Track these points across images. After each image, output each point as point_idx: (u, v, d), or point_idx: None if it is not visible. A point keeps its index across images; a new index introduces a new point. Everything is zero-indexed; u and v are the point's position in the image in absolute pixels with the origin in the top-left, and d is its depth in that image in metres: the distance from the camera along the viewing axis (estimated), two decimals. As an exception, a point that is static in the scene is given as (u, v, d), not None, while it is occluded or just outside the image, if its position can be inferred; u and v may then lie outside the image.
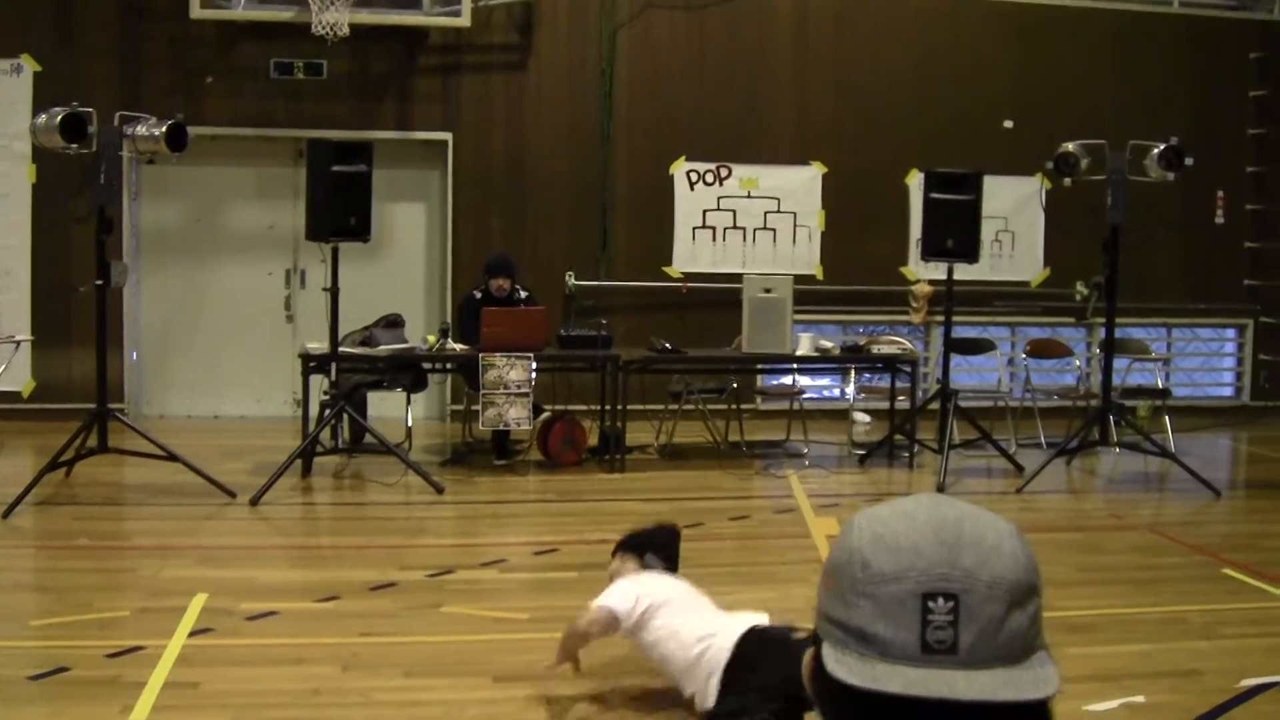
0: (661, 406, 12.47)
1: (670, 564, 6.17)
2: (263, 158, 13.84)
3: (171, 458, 10.05)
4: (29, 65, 13.10)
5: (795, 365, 12.55)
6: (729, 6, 14.10)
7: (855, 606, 1.42)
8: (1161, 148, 10.92)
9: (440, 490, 10.31)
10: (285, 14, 12.96)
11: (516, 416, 11.01)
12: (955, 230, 11.21)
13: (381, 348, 11.35)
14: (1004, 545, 1.43)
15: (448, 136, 13.85)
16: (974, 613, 1.39)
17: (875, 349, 12.17)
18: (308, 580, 7.93)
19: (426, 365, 12.09)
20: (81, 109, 9.64)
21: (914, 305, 14.34)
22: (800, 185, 14.30)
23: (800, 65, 14.31)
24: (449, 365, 12.19)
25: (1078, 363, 14.09)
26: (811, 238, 14.41)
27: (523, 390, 10.96)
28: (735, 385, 12.67)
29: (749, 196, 14.23)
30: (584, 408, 12.02)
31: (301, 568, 8.47)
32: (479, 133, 13.89)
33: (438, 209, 14.13)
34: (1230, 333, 15.77)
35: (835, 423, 13.34)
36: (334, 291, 10.54)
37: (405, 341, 11.63)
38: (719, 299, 13.58)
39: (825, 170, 14.33)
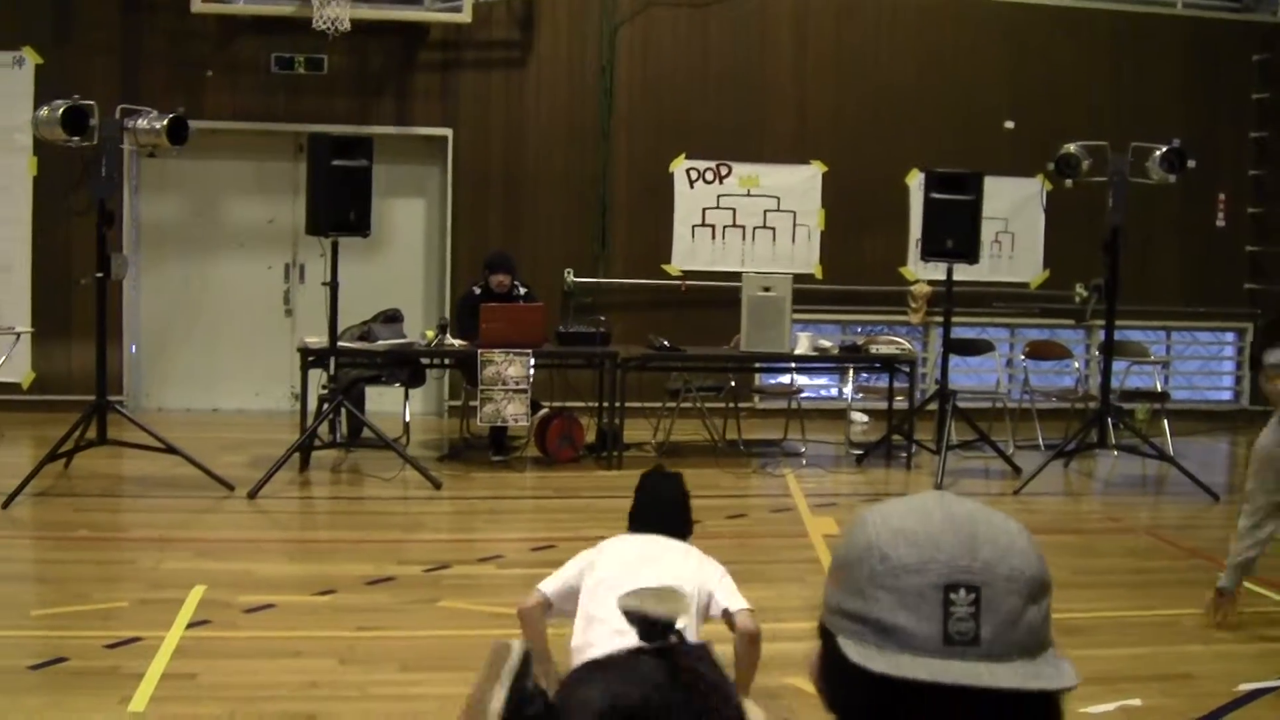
0: (659, 404, 12.47)
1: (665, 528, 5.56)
2: (263, 152, 13.84)
3: (170, 450, 10.06)
4: (30, 58, 13.10)
5: (793, 364, 12.56)
6: (730, 5, 14.09)
7: (874, 599, 1.43)
8: (1163, 150, 10.94)
9: (438, 485, 10.32)
10: (286, 8, 12.95)
11: (514, 413, 11.02)
12: (955, 231, 11.22)
13: (380, 343, 11.36)
14: (1017, 542, 1.45)
15: (448, 132, 13.85)
16: (994, 605, 1.40)
17: (874, 349, 12.18)
18: (305, 574, 7.95)
19: (425, 360, 12.10)
20: (83, 102, 9.66)
21: (913, 305, 14.35)
22: (800, 184, 14.31)
23: (801, 64, 14.31)
24: (447, 361, 12.19)
25: (1076, 365, 14.09)
26: (811, 237, 14.41)
27: (521, 387, 10.97)
28: (733, 384, 12.68)
29: (749, 195, 14.23)
30: (582, 405, 12.03)
31: (299, 561, 8.48)
32: (479, 129, 13.88)
33: (437, 205, 14.13)
34: (1229, 336, 15.78)
35: (833, 422, 13.34)
36: (333, 286, 10.55)
37: (404, 337, 11.65)
38: (718, 297, 13.59)
39: (825, 169, 14.33)
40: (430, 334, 11.45)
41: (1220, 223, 15.16)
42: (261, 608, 7.00)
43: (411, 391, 12.40)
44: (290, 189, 13.65)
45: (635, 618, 2.33)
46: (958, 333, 12.33)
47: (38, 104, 10.95)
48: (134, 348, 13.65)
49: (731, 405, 12.63)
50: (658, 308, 13.95)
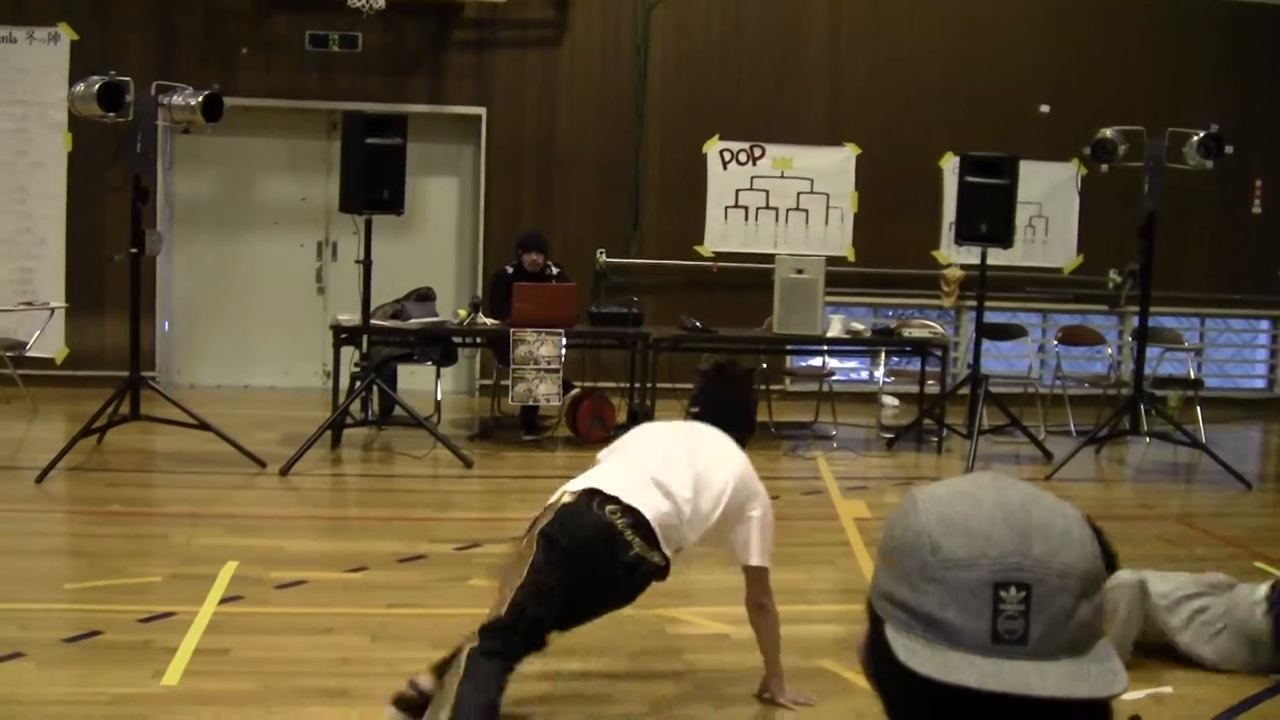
0: (690, 385, 12.44)
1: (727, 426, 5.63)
2: (296, 130, 13.86)
3: (203, 426, 10.10)
4: (66, 34, 13.13)
5: (825, 347, 12.54)
6: (765, -14, 14.08)
7: (923, 591, 1.41)
8: (1201, 135, 10.84)
9: (469, 464, 10.34)
10: (322, -14, 12.98)
11: (546, 392, 11.03)
12: (990, 215, 11.17)
13: (413, 321, 11.38)
14: (1073, 532, 1.43)
15: (481, 111, 13.85)
16: (1045, 603, 1.38)
17: (906, 332, 12.15)
18: (336, 550, 7.97)
19: (457, 339, 12.11)
20: (119, 78, 9.68)
21: (945, 289, 14.30)
22: (833, 166, 14.27)
23: (835, 46, 14.25)
24: (479, 340, 12.20)
25: (1109, 351, 14.04)
26: (844, 219, 14.37)
27: (553, 366, 10.98)
28: (765, 366, 12.67)
29: (782, 177, 14.19)
30: (613, 385, 12.02)
31: (330, 538, 8.52)
32: (512, 108, 13.88)
33: (470, 184, 14.14)
34: (1263, 324, 15.69)
35: (864, 406, 13.32)
36: (367, 264, 10.57)
37: (436, 315, 11.66)
38: (750, 279, 13.58)
39: (859, 152, 14.28)
40: (463, 313, 11.45)
41: (1256, 209, 15.04)
42: (293, 584, 7.03)
43: (443, 370, 12.42)
44: (323, 167, 13.67)
45: None
46: (990, 317, 12.29)
47: (73, 80, 10.99)
48: (166, 324, 13.69)
49: (763, 387, 12.61)
50: (689, 289, 13.93)
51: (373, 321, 10.89)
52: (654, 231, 14.09)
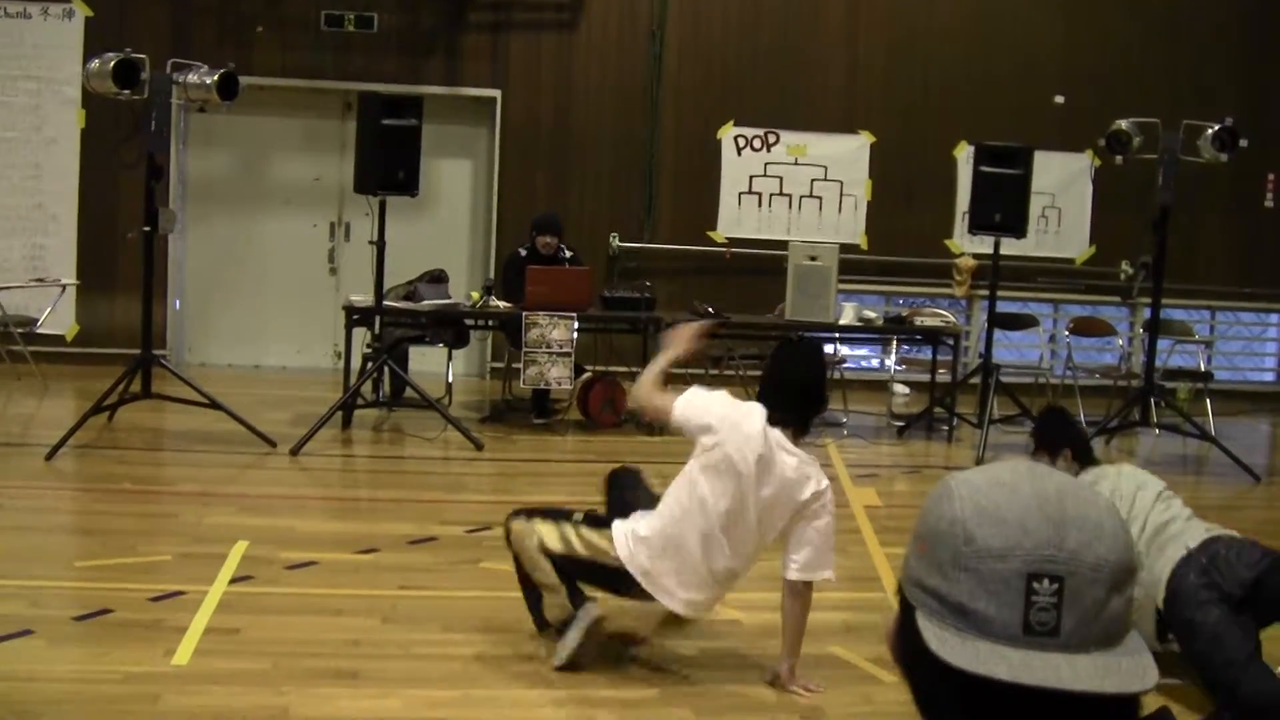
0: (702, 371, 12.44)
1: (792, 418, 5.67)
2: (310, 109, 13.86)
3: (214, 406, 10.08)
4: (81, 10, 13.13)
5: (837, 334, 12.54)
6: (782, -28, 14.05)
7: (956, 581, 1.41)
8: (1215, 128, 10.83)
9: (479, 447, 10.34)
10: (338, -34, 12.97)
11: (558, 376, 11.02)
12: (1004, 205, 11.17)
13: (425, 303, 11.38)
14: (1106, 524, 1.43)
15: (496, 94, 13.85)
16: (1077, 595, 1.38)
17: (917, 321, 12.14)
18: (347, 531, 7.98)
19: (469, 322, 12.11)
20: (135, 55, 9.66)
21: (957, 278, 14.28)
22: (848, 154, 14.25)
23: (852, 34, 14.23)
24: (491, 322, 12.19)
25: (1120, 342, 14.03)
26: (857, 207, 14.36)
27: (565, 350, 10.97)
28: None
29: (796, 164, 14.19)
30: (625, 369, 12.01)
31: (341, 519, 8.53)
32: (527, 91, 13.87)
33: (484, 166, 14.13)
34: (1273, 318, 15.69)
35: (874, 394, 13.31)
36: (380, 245, 10.56)
37: (449, 297, 11.65)
38: (762, 265, 13.57)
39: (873, 140, 14.27)
40: (475, 295, 11.44)
41: (1269, 203, 15.02)
42: (304, 565, 7.03)
43: (455, 352, 12.42)
44: (337, 147, 13.67)
45: None
46: (1002, 307, 12.28)
47: (87, 57, 10.98)
48: (177, 303, 13.70)
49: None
50: (702, 274, 13.93)
51: (385, 303, 10.88)
52: (667, 216, 14.09)
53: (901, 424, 12.17)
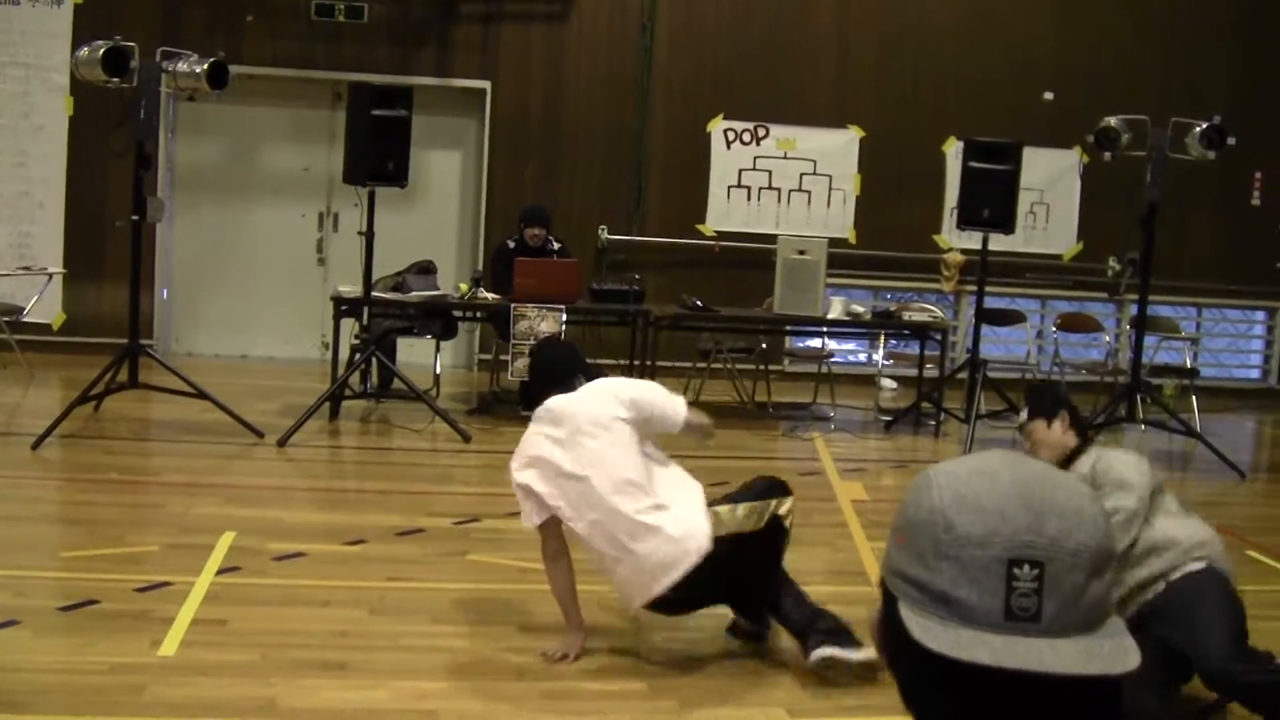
0: (690, 364, 12.47)
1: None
2: (300, 99, 13.83)
3: (201, 396, 10.06)
4: (70, -3, 13.10)
5: (825, 329, 12.55)
6: (773, -34, 14.04)
7: (936, 569, 1.42)
8: (1204, 126, 10.85)
9: (467, 438, 10.34)
10: (328, -45, 12.94)
11: (545, 368, 11.00)
12: (993, 200, 11.19)
13: (413, 294, 11.36)
14: (1085, 510, 1.44)
15: (486, 85, 13.83)
16: (1058, 581, 1.40)
17: (905, 316, 12.15)
18: (334, 523, 7.96)
19: (457, 313, 12.09)
20: (124, 43, 9.63)
21: (945, 274, 14.31)
22: (837, 148, 14.26)
23: (842, 28, 14.23)
24: (479, 314, 12.18)
25: (1107, 338, 14.06)
26: (846, 202, 14.37)
27: (553, 342, 10.97)
28: (764, 346, 12.68)
29: (785, 157, 14.19)
30: (613, 362, 11.98)
31: (328, 510, 8.51)
32: (517, 82, 13.86)
33: (473, 157, 14.12)
34: (1260, 315, 15.71)
35: (862, 388, 13.34)
36: (369, 236, 10.55)
37: (437, 289, 11.64)
38: (751, 259, 13.57)
39: (863, 134, 14.28)
40: (464, 287, 11.43)
41: (1255, 201, 15.05)
42: (291, 556, 7.02)
43: (443, 344, 12.42)
44: (326, 137, 13.65)
45: None
46: (989, 303, 12.30)
47: (75, 44, 10.96)
48: (165, 292, 13.67)
49: (761, 367, 12.63)
50: (691, 267, 13.93)
51: (373, 294, 10.87)
52: (656, 209, 14.09)
53: (889, 418, 12.19)
